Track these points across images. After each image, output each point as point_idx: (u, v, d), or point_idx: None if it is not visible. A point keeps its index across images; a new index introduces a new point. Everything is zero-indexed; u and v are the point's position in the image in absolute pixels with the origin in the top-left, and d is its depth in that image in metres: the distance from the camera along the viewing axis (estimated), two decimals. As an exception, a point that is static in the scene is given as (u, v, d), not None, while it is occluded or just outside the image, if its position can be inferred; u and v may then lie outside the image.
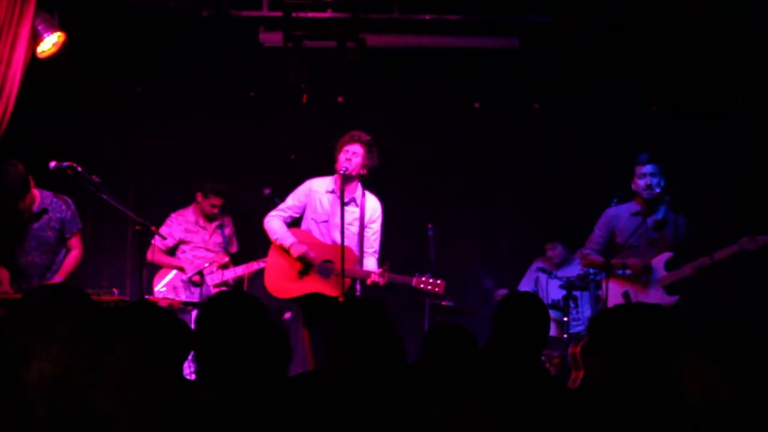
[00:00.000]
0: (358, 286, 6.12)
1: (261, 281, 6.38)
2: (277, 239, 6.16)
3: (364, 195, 6.23)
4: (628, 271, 6.11)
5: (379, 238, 6.25)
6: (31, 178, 5.96)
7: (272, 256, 6.23)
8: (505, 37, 7.29)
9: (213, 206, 7.03)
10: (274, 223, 6.21)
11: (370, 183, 6.29)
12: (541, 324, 3.55)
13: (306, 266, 6.09)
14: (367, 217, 6.19)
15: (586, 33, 7.35)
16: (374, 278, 5.95)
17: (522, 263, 7.75)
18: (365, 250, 6.17)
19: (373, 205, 6.25)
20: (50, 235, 6.13)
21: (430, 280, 6.01)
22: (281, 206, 6.27)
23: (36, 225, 6.09)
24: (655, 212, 6.11)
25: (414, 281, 6.03)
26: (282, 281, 6.14)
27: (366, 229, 6.18)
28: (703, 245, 5.96)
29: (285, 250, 6.13)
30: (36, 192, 6.06)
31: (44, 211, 6.09)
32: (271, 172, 7.61)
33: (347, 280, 5.96)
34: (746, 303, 6.86)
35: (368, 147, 6.08)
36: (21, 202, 5.96)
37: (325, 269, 6.04)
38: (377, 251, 6.23)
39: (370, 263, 6.15)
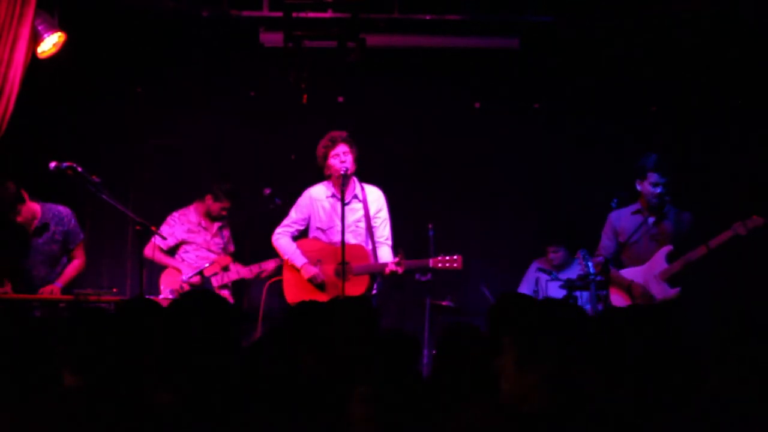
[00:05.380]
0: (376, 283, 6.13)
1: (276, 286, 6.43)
2: (288, 259, 6.19)
3: (363, 189, 6.23)
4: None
5: (389, 226, 6.23)
6: (24, 194, 5.97)
7: (287, 271, 6.24)
8: (505, 37, 7.31)
9: (223, 209, 6.99)
10: (282, 241, 6.23)
11: (369, 180, 6.30)
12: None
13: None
14: (372, 211, 6.18)
15: (586, 33, 7.36)
16: (391, 268, 5.94)
17: (522, 263, 7.74)
18: (377, 240, 6.15)
19: (375, 196, 6.25)
20: (55, 249, 6.18)
21: (447, 258, 6.00)
22: (286, 221, 6.28)
23: (41, 240, 6.11)
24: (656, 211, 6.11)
25: (431, 262, 6.04)
26: (304, 294, 6.06)
27: (373, 220, 6.17)
28: (702, 241, 5.95)
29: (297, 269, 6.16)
30: (36, 207, 6.07)
31: (46, 226, 6.10)
32: (271, 172, 7.60)
33: (366, 277, 5.98)
34: (744, 292, 6.87)
35: (351, 143, 6.11)
36: (17, 216, 5.97)
37: (341, 272, 6.02)
38: (389, 238, 6.21)
39: (384, 252, 6.13)
